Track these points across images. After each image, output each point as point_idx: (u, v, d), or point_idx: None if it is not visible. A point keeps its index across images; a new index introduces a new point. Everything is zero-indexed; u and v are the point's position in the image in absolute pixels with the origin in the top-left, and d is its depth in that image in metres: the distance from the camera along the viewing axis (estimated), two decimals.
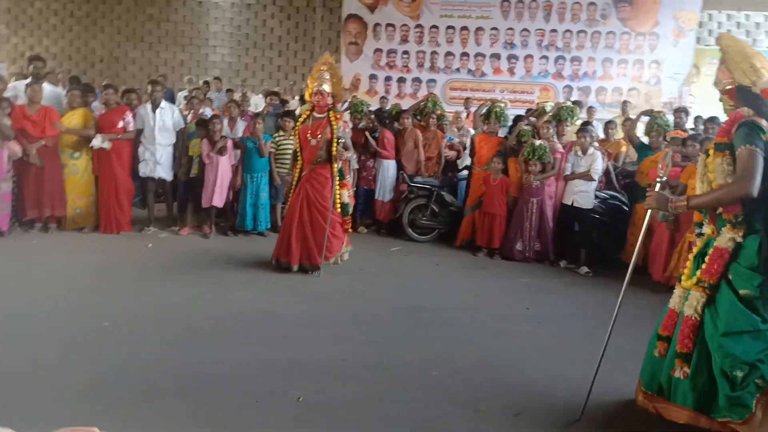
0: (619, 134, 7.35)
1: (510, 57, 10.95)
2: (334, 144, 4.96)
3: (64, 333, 3.60)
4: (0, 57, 10.54)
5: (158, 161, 6.32)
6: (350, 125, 6.96)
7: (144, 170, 6.35)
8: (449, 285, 5.22)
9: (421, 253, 6.31)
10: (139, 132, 6.37)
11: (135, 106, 6.52)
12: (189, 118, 7.06)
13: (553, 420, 2.92)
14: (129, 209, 6.38)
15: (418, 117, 7.35)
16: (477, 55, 11.00)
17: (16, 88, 6.50)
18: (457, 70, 11.05)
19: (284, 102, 8.83)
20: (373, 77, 11.22)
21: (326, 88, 4.97)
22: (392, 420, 2.85)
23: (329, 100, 5.02)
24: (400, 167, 7.03)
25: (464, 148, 7.25)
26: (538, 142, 6.07)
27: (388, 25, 11.14)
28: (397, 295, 4.78)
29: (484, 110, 6.87)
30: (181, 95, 10.36)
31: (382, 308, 4.44)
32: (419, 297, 4.78)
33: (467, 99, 9.17)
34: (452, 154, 7.18)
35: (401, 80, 11.17)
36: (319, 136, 4.96)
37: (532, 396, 3.15)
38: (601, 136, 7.11)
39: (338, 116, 5.06)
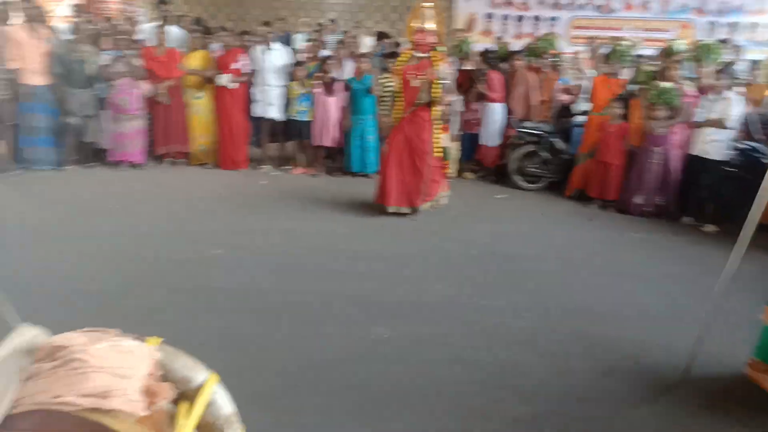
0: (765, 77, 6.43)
1: None
2: (436, 86, 4.82)
3: (181, 256, 3.94)
4: (138, 3, 11.34)
5: (270, 102, 6.56)
6: (454, 66, 6.71)
7: (257, 110, 6.64)
8: (551, 235, 5.00)
9: (526, 202, 6.08)
10: (253, 73, 6.61)
11: (250, 47, 6.76)
12: (304, 58, 7.19)
13: (646, 384, 2.74)
14: (245, 147, 6.75)
15: (531, 58, 6.90)
16: None
17: (146, 31, 6.99)
18: (583, 6, 10.17)
19: (398, 44, 8.69)
20: (489, 16, 10.67)
21: (428, 26, 4.78)
22: (468, 363, 2.83)
23: (431, 39, 4.82)
24: (508, 111, 6.71)
25: (581, 92, 6.73)
26: (665, 85, 5.47)
27: None
28: (493, 242, 4.67)
29: (605, 50, 6.30)
30: (299, 37, 10.56)
31: (474, 253, 4.37)
32: (516, 245, 4.64)
33: (591, 38, 8.41)
34: (567, 97, 6.70)
35: (520, 19, 10.52)
36: (422, 76, 4.83)
37: (624, 356, 2.97)
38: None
39: (441, 56, 4.86)
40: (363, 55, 6.65)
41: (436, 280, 3.81)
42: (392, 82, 6.33)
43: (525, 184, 6.51)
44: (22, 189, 5.33)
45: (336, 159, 6.88)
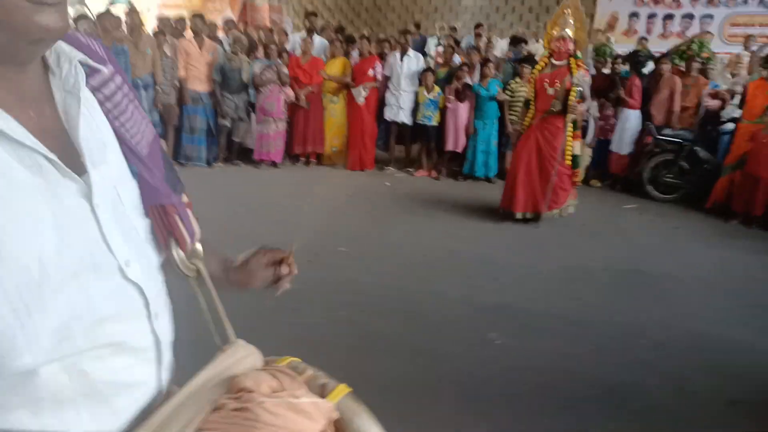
0: None
1: None
2: (572, 94, 4.71)
3: (309, 250, 4.30)
4: (287, 10, 12.28)
5: (401, 106, 6.85)
6: (591, 72, 6.50)
7: (389, 114, 6.96)
8: (684, 251, 4.71)
9: (658, 214, 5.75)
10: (387, 78, 6.94)
11: (386, 55, 7.10)
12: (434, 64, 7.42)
13: None
14: (373, 149, 7.11)
15: (678, 61, 6.48)
16: None
17: (294, 41, 7.61)
18: (743, 1, 9.26)
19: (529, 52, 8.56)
20: (633, 15, 10.11)
21: (569, 32, 4.68)
22: (585, 380, 2.82)
23: (571, 46, 4.71)
24: (645, 117, 6.37)
25: (733, 97, 6.20)
26: None
27: None
28: (618, 255, 4.51)
29: (765, 51, 5.75)
30: (431, 41, 10.79)
31: (597, 266, 4.26)
32: (643, 260, 4.44)
33: (748, 37, 7.68)
34: (715, 103, 6.20)
35: (668, 17, 9.85)
36: (557, 84, 4.74)
37: (750, 385, 2.78)
38: None
39: (579, 63, 4.75)
40: (488, 61, 6.68)
41: (556, 292, 3.79)
42: (524, 88, 6.31)
43: (658, 195, 6.15)
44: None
45: (458, 163, 7.00)
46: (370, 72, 6.81)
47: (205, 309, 0.88)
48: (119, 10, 6.83)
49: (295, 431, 0.75)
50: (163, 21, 6.94)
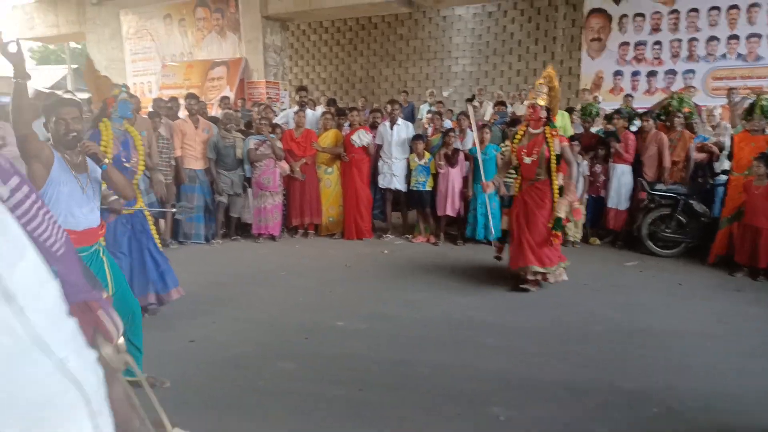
0: None
1: None
2: (553, 161, 4.78)
3: (306, 325, 4.23)
4: (283, 86, 12.68)
5: (394, 173, 6.94)
6: (579, 131, 6.62)
7: (382, 182, 7.04)
8: (689, 308, 4.62)
9: (661, 270, 5.69)
10: (379, 147, 7.07)
11: (378, 124, 7.26)
12: (430, 131, 7.59)
13: None
14: (369, 218, 7.15)
15: (662, 117, 6.61)
16: (750, 36, 9.37)
17: (287, 115, 7.81)
18: (723, 56, 9.56)
19: (514, 116, 8.79)
20: (618, 74, 10.41)
21: (540, 102, 4.80)
22: None
23: (542, 114, 4.82)
24: (636, 173, 6.43)
25: (721, 149, 6.28)
26: None
27: (637, 15, 10.21)
28: (621, 315, 4.42)
29: (746, 103, 5.86)
30: (423, 108, 11.09)
31: (599, 327, 4.17)
32: (647, 318, 4.35)
33: (731, 89, 7.87)
34: (701, 156, 6.28)
35: (651, 74, 10.13)
36: (535, 154, 4.83)
37: None
38: None
39: (554, 132, 4.83)
40: (484, 126, 6.82)
41: (557, 357, 3.69)
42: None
43: (659, 250, 6.11)
44: (179, 261, 6.09)
45: (456, 227, 7.00)
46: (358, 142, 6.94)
47: (137, 404, 0.92)
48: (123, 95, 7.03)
49: None
50: (157, 102, 7.14)
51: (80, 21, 13.99)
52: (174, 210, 5.24)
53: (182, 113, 7.55)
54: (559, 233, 4.87)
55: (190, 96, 7.07)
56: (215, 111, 9.65)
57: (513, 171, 6.34)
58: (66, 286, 0.80)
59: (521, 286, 4.93)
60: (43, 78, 20.20)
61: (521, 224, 4.96)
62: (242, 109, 9.30)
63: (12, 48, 2.51)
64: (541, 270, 4.85)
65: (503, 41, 13.11)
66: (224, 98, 9.26)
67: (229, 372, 3.46)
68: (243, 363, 3.59)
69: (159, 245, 4.37)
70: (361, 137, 6.88)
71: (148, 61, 13.26)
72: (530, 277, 4.91)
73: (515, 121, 6.87)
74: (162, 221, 6.79)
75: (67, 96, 4.18)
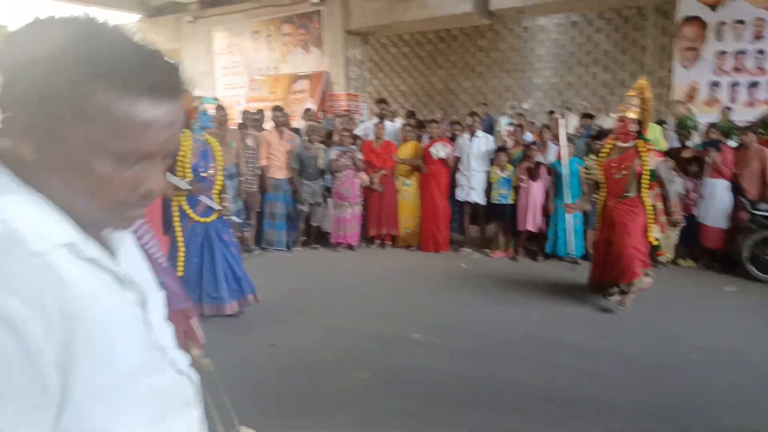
0: None
1: None
2: (645, 178, 4.54)
3: (383, 335, 4.24)
4: (364, 98, 12.92)
5: (472, 186, 6.86)
6: (674, 145, 6.26)
7: (460, 194, 6.98)
8: None
9: (763, 296, 5.25)
10: (458, 159, 7.02)
11: (457, 137, 7.22)
12: (510, 144, 7.46)
13: None
14: (446, 230, 7.09)
15: (762, 131, 6.14)
16: None
17: (367, 127, 7.93)
18: None
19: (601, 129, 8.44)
20: (714, 84, 9.76)
21: (630, 115, 4.56)
22: None
23: (632, 128, 4.58)
24: (737, 191, 5.99)
25: None
26: None
27: (737, 22, 9.55)
28: (718, 343, 4.11)
29: None
30: (503, 120, 10.92)
31: (695, 355, 3.89)
32: (741, 347, 4.02)
33: None
34: None
35: (753, 85, 9.43)
36: (625, 169, 4.58)
37: None
38: None
39: (647, 146, 4.58)
40: (569, 139, 6.62)
41: (644, 384, 3.48)
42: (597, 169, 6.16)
43: (761, 275, 5.64)
44: (261, 267, 6.30)
45: (537, 243, 6.80)
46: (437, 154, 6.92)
47: (209, 402, 1.03)
48: (208, 107, 7.43)
49: None
50: (245, 114, 7.46)
51: (177, 38, 14.91)
52: (239, 221, 5.42)
53: (267, 125, 7.86)
54: (662, 251, 4.64)
55: (276, 108, 7.34)
56: (297, 122, 9.98)
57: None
58: (169, 295, 0.89)
59: (608, 297, 4.78)
60: None
61: (607, 241, 4.74)
62: (324, 119, 9.54)
63: None
64: (626, 286, 4.63)
65: (588, 51, 12.70)
66: (307, 110, 9.53)
67: (304, 379, 3.52)
68: (319, 370, 3.65)
69: (236, 251, 4.54)
70: (439, 149, 6.85)
71: (237, 75, 13.90)
72: (616, 296, 4.70)
73: (601, 134, 6.60)
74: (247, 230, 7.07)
75: None
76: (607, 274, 4.79)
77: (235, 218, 4.55)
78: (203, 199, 4.24)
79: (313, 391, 3.35)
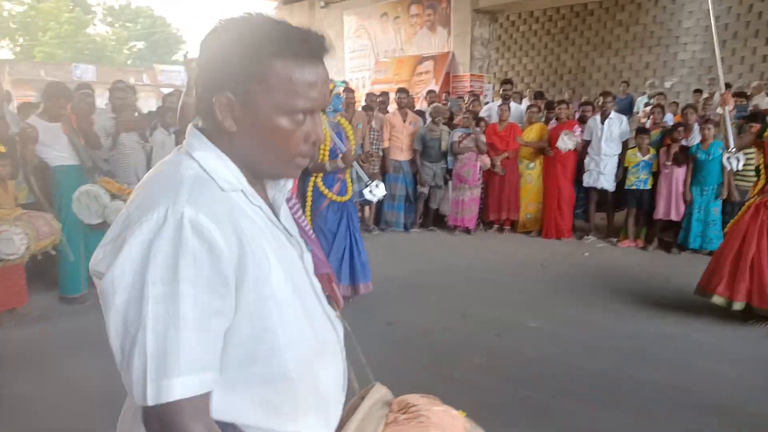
0: None
1: None
2: None
3: (502, 323, 4.20)
4: (488, 78, 12.65)
5: (602, 171, 6.48)
6: None
7: (588, 180, 6.62)
8: None
9: None
10: (587, 143, 6.65)
11: (587, 118, 6.84)
12: (648, 124, 6.95)
13: None
14: (570, 217, 6.79)
15: None
16: None
17: (491, 109, 7.77)
18: None
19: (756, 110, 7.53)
20: None
21: None
22: None
23: None
24: None
25: None
26: None
27: None
28: None
29: None
30: (641, 100, 10.15)
31: None
32: None
33: None
34: None
35: None
36: None
37: None
38: None
39: None
40: (708, 121, 6.00)
41: None
42: (751, 151, 5.50)
43: None
44: (381, 246, 6.49)
45: (672, 233, 6.28)
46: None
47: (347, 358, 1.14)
48: (337, 90, 7.72)
49: (453, 429, 1.11)
50: (370, 97, 7.63)
51: (310, 22, 15.49)
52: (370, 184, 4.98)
53: (391, 107, 7.99)
54: None
55: (400, 90, 7.44)
56: (420, 104, 10.02)
57: (748, 173, 5.47)
58: (315, 260, 1.06)
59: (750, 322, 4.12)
60: None
61: (761, 244, 4.04)
62: (450, 100, 9.47)
63: (193, 65, 3.14)
64: (758, 311, 4.01)
65: (747, 22, 11.32)
66: (430, 92, 9.54)
67: (423, 357, 3.59)
68: (435, 350, 3.71)
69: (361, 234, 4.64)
70: (567, 142, 6.48)
71: (364, 58, 14.25)
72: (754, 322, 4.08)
73: (757, 115, 5.89)
74: (366, 208, 7.29)
75: None
76: (754, 290, 4.03)
77: (370, 194, 4.48)
78: (356, 168, 4.36)
79: (429, 370, 3.41)
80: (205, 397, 0.84)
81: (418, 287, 5.01)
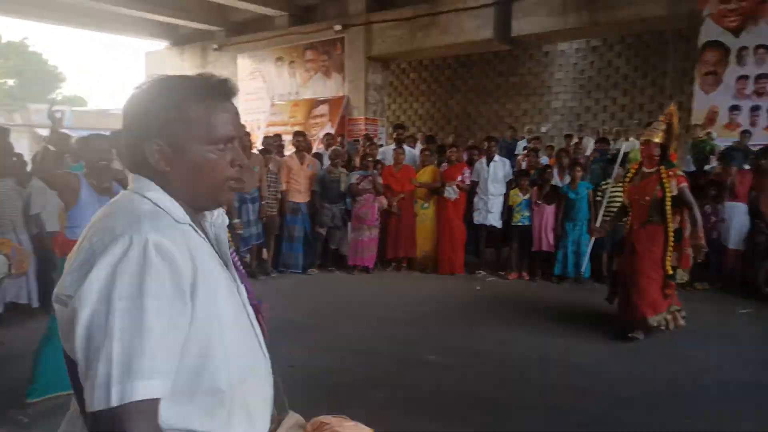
0: None
1: None
2: (667, 203, 4.49)
3: (400, 357, 4.32)
4: (382, 122, 13.14)
5: (490, 210, 6.95)
6: (690, 168, 6.28)
7: (477, 218, 7.07)
8: None
9: None
10: (475, 183, 7.12)
11: (475, 161, 7.34)
12: (524, 166, 7.56)
13: None
14: (462, 254, 7.17)
15: None
16: None
17: (386, 152, 8.08)
18: None
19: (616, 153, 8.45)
20: (734, 108, 9.73)
21: (655, 139, 4.53)
22: None
23: (656, 152, 4.55)
24: (756, 214, 5.98)
25: None
26: None
27: (759, 47, 9.54)
28: (731, 368, 4.09)
29: None
30: (521, 144, 11.00)
31: (709, 379, 3.89)
32: (762, 372, 4.00)
33: None
34: None
35: None
36: (648, 195, 4.56)
37: None
38: None
39: (671, 172, 4.52)
40: (576, 163, 6.68)
41: (662, 410, 3.49)
42: (617, 188, 6.10)
43: None
44: (280, 289, 6.44)
45: (551, 265, 6.84)
46: (459, 177, 7.04)
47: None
48: None
49: None
50: (267, 140, 7.68)
51: (203, 64, 15.38)
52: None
53: (287, 149, 8.06)
54: (673, 282, 4.58)
55: (297, 134, 7.55)
56: (317, 146, 10.18)
57: (612, 210, 6.10)
58: (247, 292, 1.17)
59: (630, 335, 4.63)
60: None
61: (632, 271, 4.65)
62: (348, 144, 9.71)
63: (57, 114, 3.25)
64: (653, 320, 4.55)
65: (608, 76, 12.78)
66: (327, 134, 9.74)
67: (326, 397, 3.60)
68: (340, 390, 3.73)
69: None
70: (451, 193, 6.98)
71: (259, 101, 14.26)
72: (639, 332, 4.62)
73: (616, 158, 6.64)
74: (264, 251, 7.23)
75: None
76: (634, 308, 4.62)
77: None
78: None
79: (334, 409, 3.40)
80: (156, 403, 0.92)
81: (318, 328, 5.02)
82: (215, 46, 14.89)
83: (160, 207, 1.03)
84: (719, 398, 3.63)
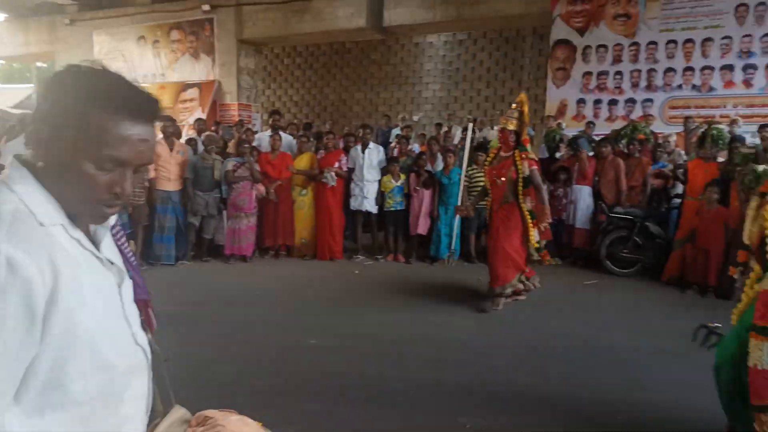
0: None
1: (746, 67, 9.63)
2: (519, 184, 4.97)
3: (282, 344, 4.33)
4: (256, 108, 12.83)
5: (365, 196, 7.13)
6: (544, 155, 6.93)
7: (354, 204, 7.22)
8: (645, 325, 4.88)
9: (618, 289, 5.98)
10: (351, 170, 7.26)
11: (350, 148, 7.46)
12: (395, 153, 7.82)
13: None
14: (341, 239, 7.30)
15: (622, 143, 6.99)
16: (704, 68, 9.90)
17: (261, 139, 7.94)
18: (679, 86, 10.08)
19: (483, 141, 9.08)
20: (581, 102, 10.85)
21: (509, 126, 4.98)
22: None
23: (511, 138, 5.01)
24: (598, 196, 6.76)
25: (676, 177, 6.65)
26: (763, 168, 5.31)
27: (600, 46, 10.69)
28: (580, 332, 4.65)
29: (699, 132, 6.26)
30: (394, 132, 11.34)
31: (559, 343, 4.38)
32: (605, 335, 4.58)
33: (687, 118, 8.36)
34: (658, 182, 6.64)
35: (612, 102, 10.59)
36: (503, 178, 5.01)
37: None
38: None
39: (523, 155, 5.00)
40: (449, 150, 7.09)
41: (522, 370, 3.87)
42: (479, 174, 6.64)
43: (616, 270, 6.41)
44: (152, 282, 6.09)
45: (426, 247, 7.21)
46: (336, 164, 7.13)
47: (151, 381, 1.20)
48: None
49: None
50: None
51: (51, 40, 13.94)
52: None
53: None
54: (545, 254, 5.09)
55: (166, 119, 7.15)
56: (187, 132, 9.72)
57: (474, 193, 6.62)
58: (135, 286, 1.11)
59: (483, 306, 5.11)
60: (6, 97, 19.89)
61: (493, 246, 5.15)
62: (223, 129, 9.37)
63: None
64: (506, 288, 5.05)
65: (473, 68, 13.54)
66: (199, 120, 9.34)
67: (207, 389, 3.53)
68: (221, 380, 3.67)
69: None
70: (328, 179, 7.05)
71: None
72: (501, 298, 5.11)
73: (482, 145, 7.14)
74: (132, 243, 6.79)
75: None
76: (497, 277, 5.11)
77: None
78: None
79: (216, 401, 3.34)
80: None
81: (193, 320, 4.86)
82: (67, 20, 13.54)
83: (26, 205, 0.92)
84: (569, 359, 4.10)
